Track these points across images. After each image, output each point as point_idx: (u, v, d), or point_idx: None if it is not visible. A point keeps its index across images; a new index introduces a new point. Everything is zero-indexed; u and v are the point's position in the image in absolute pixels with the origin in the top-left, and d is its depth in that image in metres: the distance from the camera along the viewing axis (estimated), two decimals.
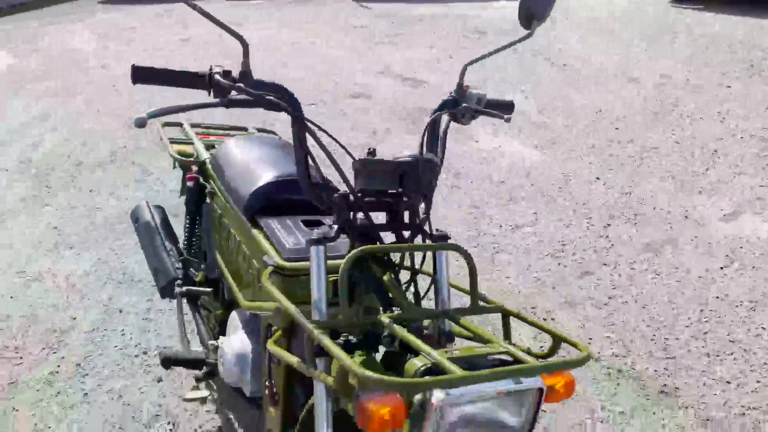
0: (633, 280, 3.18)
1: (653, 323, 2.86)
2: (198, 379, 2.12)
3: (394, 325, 1.30)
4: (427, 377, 1.15)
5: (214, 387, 2.58)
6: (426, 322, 1.52)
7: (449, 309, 1.43)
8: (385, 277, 1.51)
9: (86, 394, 2.56)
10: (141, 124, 1.29)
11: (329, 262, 1.42)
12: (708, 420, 2.34)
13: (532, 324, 1.40)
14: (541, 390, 1.18)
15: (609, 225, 3.68)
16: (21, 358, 2.76)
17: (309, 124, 1.45)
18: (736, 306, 2.93)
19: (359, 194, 1.45)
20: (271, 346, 1.55)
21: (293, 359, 1.38)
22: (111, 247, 3.63)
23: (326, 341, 1.21)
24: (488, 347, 1.26)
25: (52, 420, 2.42)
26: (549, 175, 4.36)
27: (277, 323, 1.67)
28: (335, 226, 1.45)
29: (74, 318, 3.02)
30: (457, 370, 1.11)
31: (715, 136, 4.72)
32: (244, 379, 1.92)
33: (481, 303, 1.44)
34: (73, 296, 3.19)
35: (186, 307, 2.47)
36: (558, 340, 1.30)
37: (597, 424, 2.34)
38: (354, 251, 1.35)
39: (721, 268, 3.20)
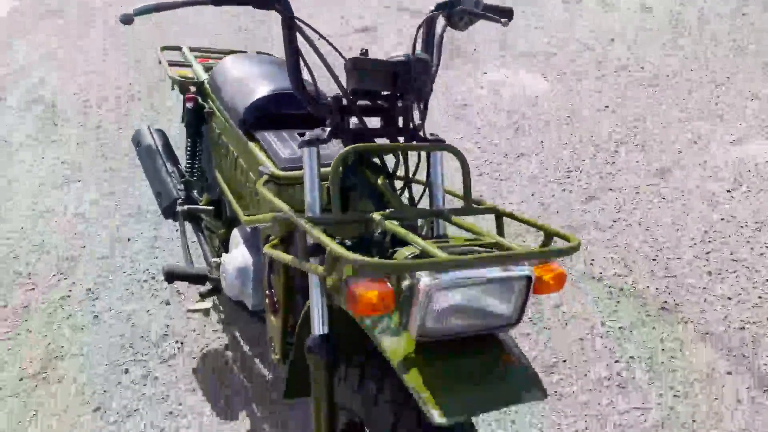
0: (638, 204, 3.17)
1: (656, 245, 2.86)
2: (202, 296, 2.16)
3: (385, 221, 1.31)
4: (412, 255, 1.16)
5: (219, 306, 2.64)
6: (420, 225, 1.53)
7: (443, 209, 1.44)
8: (379, 181, 1.51)
9: (96, 316, 2.63)
10: (127, 20, 1.28)
11: (323, 169, 1.43)
12: (707, 334, 2.37)
13: (525, 222, 1.41)
14: (529, 279, 1.19)
15: (616, 152, 3.65)
16: (33, 284, 2.82)
17: (300, 24, 1.43)
18: (741, 227, 2.91)
19: (352, 97, 1.44)
20: (267, 249, 1.57)
21: (288, 257, 1.40)
22: (118, 180, 3.65)
23: (317, 233, 1.23)
24: (479, 239, 1.26)
25: (64, 340, 2.49)
26: (557, 104, 4.29)
27: (275, 232, 1.69)
28: (328, 129, 1.45)
29: (83, 247, 3.07)
30: (444, 255, 1.12)
31: (729, 64, 4.61)
32: (246, 292, 1.95)
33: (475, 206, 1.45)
34: (82, 227, 3.23)
35: (190, 230, 2.50)
36: (549, 234, 1.31)
37: (596, 339, 2.38)
38: (345, 149, 1.35)
39: (728, 191, 3.17)
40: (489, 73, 4.83)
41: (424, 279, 1.12)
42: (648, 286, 2.62)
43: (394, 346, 1.21)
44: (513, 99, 4.41)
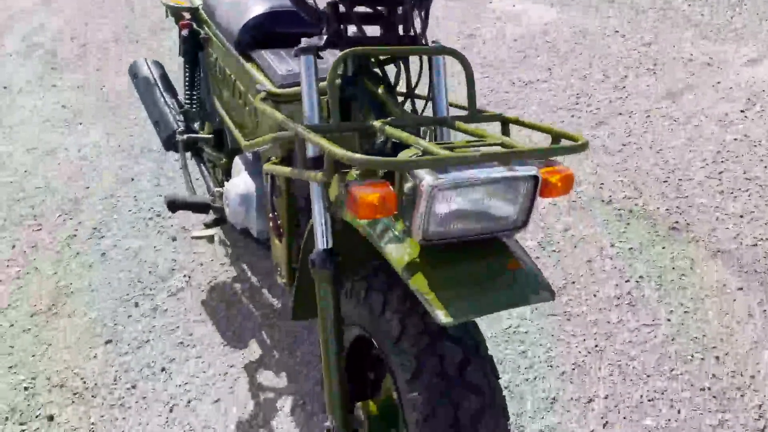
0: (648, 127, 3.09)
1: (667, 167, 2.80)
2: (207, 225, 2.14)
3: (387, 126, 1.26)
4: (414, 156, 1.12)
5: (226, 241, 2.63)
6: (422, 135, 1.48)
7: (446, 117, 1.39)
8: (380, 91, 1.46)
9: (104, 254, 2.63)
10: None
11: (321, 84, 1.37)
12: (719, 252, 2.33)
13: (531, 126, 1.36)
14: (535, 179, 1.15)
15: (626, 76, 3.55)
16: (40, 224, 2.82)
17: None
18: (755, 146, 2.84)
19: (350, 3, 1.37)
20: (268, 166, 1.53)
21: (287, 169, 1.37)
22: (119, 121, 3.62)
23: (315, 137, 1.19)
24: (483, 141, 1.22)
25: (73, 277, 2.50)
26: (565, 31, 4.17)
27: (275, 153, 1.65)
28: (325, 36, 1.39)
29: (87, 188, 3.05)
30: (447, 152, 1.08)
31: None
32: (250, 219, 1.93)
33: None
34: (86, 168, 3.21)
35: (192, 164, 2.47)
36: (557, 137, 1.25)
37: (606, 261, 2.35)
38: (343, 52, 1.29)
39: (741, 111, 3.09)
40: (495, 3, 4.69)
41: (427, 178, 1.08)
42: (658, 207, 2.57)
43: (399, 252, 1.19)
44: (520, 28, 4.28)
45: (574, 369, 1.96)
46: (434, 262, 1.16)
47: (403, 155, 1.16)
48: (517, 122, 1.37)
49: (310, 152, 1.33)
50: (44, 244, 2.69)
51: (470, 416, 1.20)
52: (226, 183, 2.06)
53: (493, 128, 1.31)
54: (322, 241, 1.36)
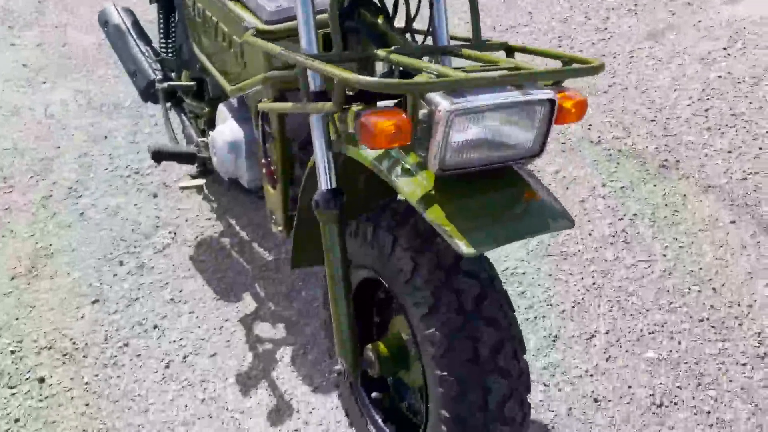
0: (633, 68, 3.06)
1: (653, 106, 2.78)
2: (193, 177, 2.06)
3: (392, 54, 1.20)
4: (429, 78, 1.06)
5: (210, 196, 2.55)
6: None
7: (451, 45, 1.33)
8: (379, 20, 1.40)
9: (82, 213, 2.53)
10: None
11: (318, 17, 1.30)
12: (709, 187, 2.34)
13: (539, 53, 1.31)
14: (552, 103, 1.11)
15: (608, 18, 3.50)
16: (11, 186, 2.69)
17: None
18: (738, 83, 2.84)
19: None
20: (263, 105, 1.46)
21: (289, 105, 1.29)
22: (87, 77, 3.46)
23: (321, 64, 1.12)
24: (494, 66, 1.17)
25: (52, 238, 2.40)
26: None
27: (267, 94, 1.57)
28: None
29: (58, 147, 2.92)
30: (463, 74, 1.03)
31: None
32: (240, 167, 1.86)
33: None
34: (54, 127, 3.07)
35: (172, 116, 2.37)
36: (569, 61, 1.21)
37: (598, 200, 2.34)
38: None
39: (724, 48, 3.07)
40: None
41: (444, 103, 1.03)
42: (647, 146, 2.56)
43: (412, 185, 1.14)
44: None
45: (573, 307, 1.96)
46: (450, 194, 1.12)
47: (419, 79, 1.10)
48: (524, 50, 1.32)
49: (314, 85, 1.26)
50: (18, 206, 2.57)
51: (489, 349, 1.18)
52: (211, 132, 1.97)
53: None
54: (325, 180, 1.30)
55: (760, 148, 2.47)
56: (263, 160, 1.70)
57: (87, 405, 1.80)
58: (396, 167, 1.18)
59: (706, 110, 2.71)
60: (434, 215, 1.08)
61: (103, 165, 2.79)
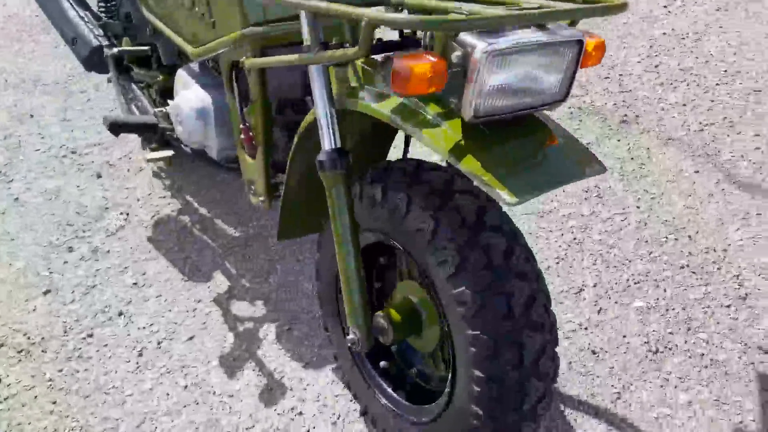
0: (579, 27, 3.09)
1: (606, 62, 2.82)
2: (154, 149, 1.89)
3: None
4: (464, 15, 0.98)
5: (161, 174, 2.38)
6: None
7: None
8: None
9: (16, 198, 2.30)
10: None
11: None
12: (670, 140, 2.39)
13: None
14: (581, 44, 1.06)
15: None
16: None
17: None
18: (682, 38, 2.91)
19: None
20: (250, 61, 1.34)
21: (293, 57, 1.17)
22: (2, 52, 3.14)
23: (333, 5, 1.02)
24: (518, 5, 1.10)
25: None
26: None
27: (246, 52, 1.44)
28: None
29: None
30: (500, 11, 0.96)
31: None
32: (209, 135, 1.72)
33: None
34: None
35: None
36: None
37: None
38: None
39: (665, 6, 3.15)
40: None
41: (480, 44, 0.96)
42: (606, 103, 2.59)
43: (439, 136, 1.06)
44: None
45: (558, 263, 1.95)
46: (481, 143, 1.05)
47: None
48: None
49: (322, 34, 1.15)
50: None
51: (522, 304, 1.14)
52: (171, 100, 1.81)
53: None
54: (329, 140, 1.20)
55: (711, 101, 2.54)
56: (241, 126, 1.57)
57: (54, 403, 1.63)
58: (415, 118, 1.10)
59: (656, 66, 2.76)
60: (470, 165, 1.02)
61: (33, 145, 2.55)
